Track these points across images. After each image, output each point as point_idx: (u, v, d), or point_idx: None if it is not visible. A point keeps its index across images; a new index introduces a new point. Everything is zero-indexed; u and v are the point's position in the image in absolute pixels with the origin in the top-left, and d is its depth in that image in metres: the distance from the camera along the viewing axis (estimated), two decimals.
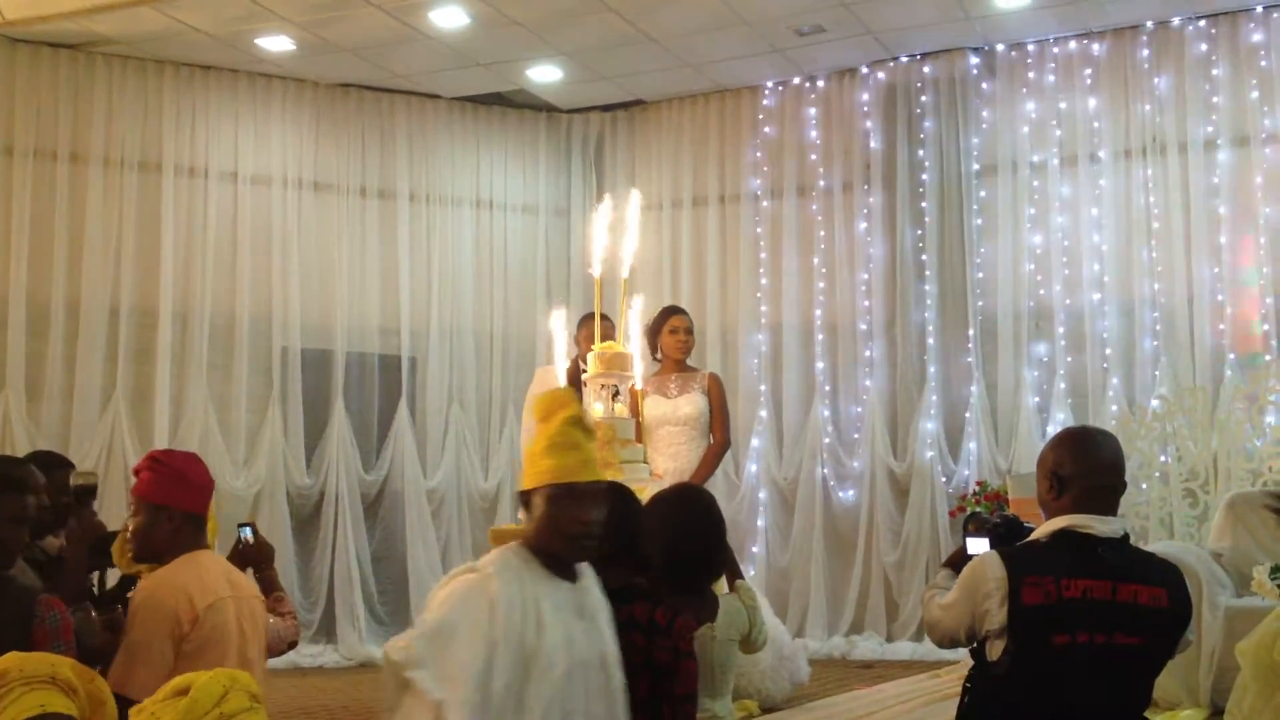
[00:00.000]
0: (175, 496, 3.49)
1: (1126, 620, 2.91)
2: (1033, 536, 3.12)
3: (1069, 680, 2.89)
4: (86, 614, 3.34)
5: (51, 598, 3.13)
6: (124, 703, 2.54)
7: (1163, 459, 7.41)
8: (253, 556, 4.01)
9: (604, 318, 6.26)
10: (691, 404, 6.54)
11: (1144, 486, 7.41)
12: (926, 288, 8.81)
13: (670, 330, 6.68)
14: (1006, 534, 3.29)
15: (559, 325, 6.31)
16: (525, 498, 2.83)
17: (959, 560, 3.24)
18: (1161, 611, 2.97)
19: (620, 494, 3.53)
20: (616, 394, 5.89)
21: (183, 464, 3.57)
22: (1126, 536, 3.09)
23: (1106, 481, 3.07)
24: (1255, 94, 8.11)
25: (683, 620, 3.19)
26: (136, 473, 3.58)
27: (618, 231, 6.19)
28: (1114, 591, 2.92)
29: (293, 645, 3.95)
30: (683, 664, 3.15)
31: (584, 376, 6.15)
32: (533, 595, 2.73)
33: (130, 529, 3.55)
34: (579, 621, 2.80)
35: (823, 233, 9.21)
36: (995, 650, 2.96)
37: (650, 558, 3.42)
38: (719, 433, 6.64)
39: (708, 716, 3.37)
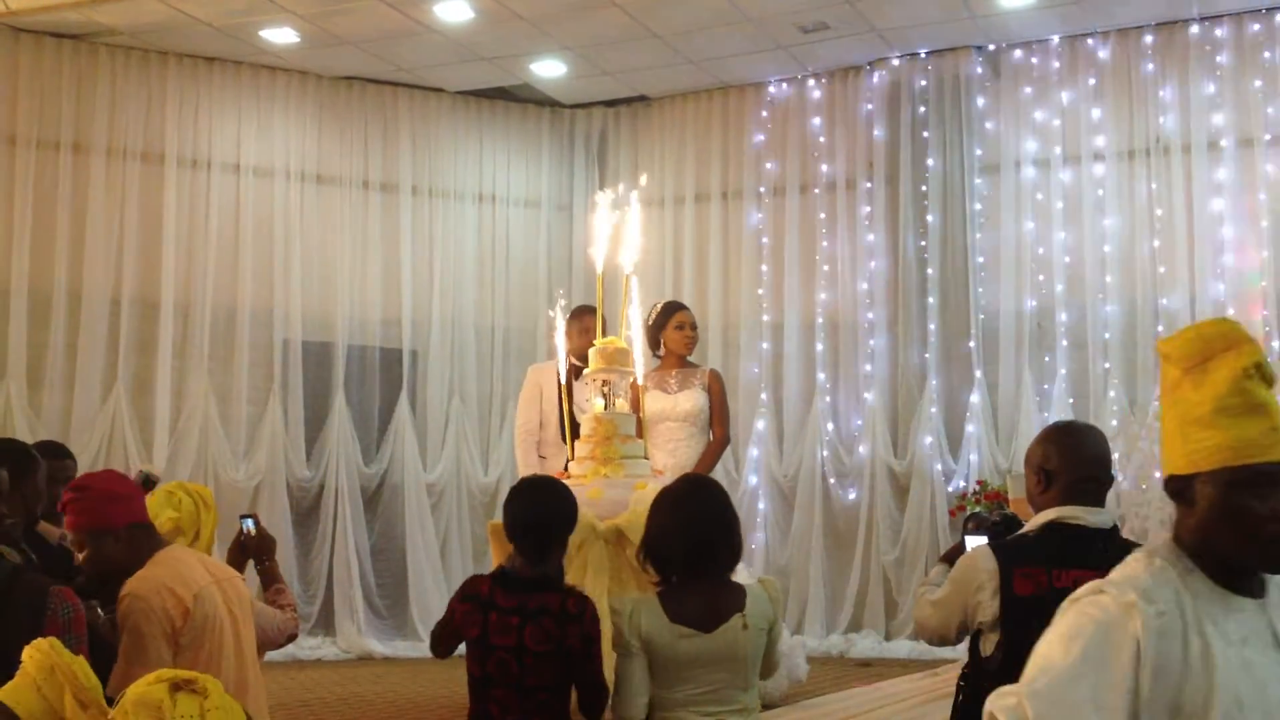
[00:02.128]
0: (110, 516, 3.42)
1: None
2: (1023, 530, 3.15)
3: None
4: (94, 612, 3.34)
5: (65, 589, 3.12)
6: None
7: None
8: (254, 548, 4.01)
9: (597, 312, 6.26)
10: (691, 400, 6.53)
11: (1144, 487, 7.42)
12: (928, 286, 8.80)
13: (676, 326, 6.67)
14: (1005, 532, 3.31)
15: (560, 322, 6.30)
16: (1179, 485, 1.98)
17: (955, 555, 3.25)
18: None
19: (532, 491, 3.66)
20: (614, 391, 5.88)
21: (104, 482, 3.50)
22: (1116, 528, 3.11)
23: (1092, 474, 3.10)
24: (1259, 95, 8.10)
25: (591, 608, 3.41)
26: (62, 509, 3.49)
27: (620, 227, 6.18)
28: None
29: (292, 638, 3.94)
30: (593, 649, 3.40)
31: (584, 373, 6.15)
32: (1198, 627, 1.88)
33: (83, 562, 3.48)
34: (1274, 654, 1.92)
35: (825, 230, 9.21)
36: (989, 644, 2.98)
37: (662, 550, 3.40)
38: (719, 429, 6.63)
39: (739, 709, 3.31)
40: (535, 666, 3.35)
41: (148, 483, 3.97)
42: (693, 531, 3.37)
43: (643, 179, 6.37)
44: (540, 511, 3.55)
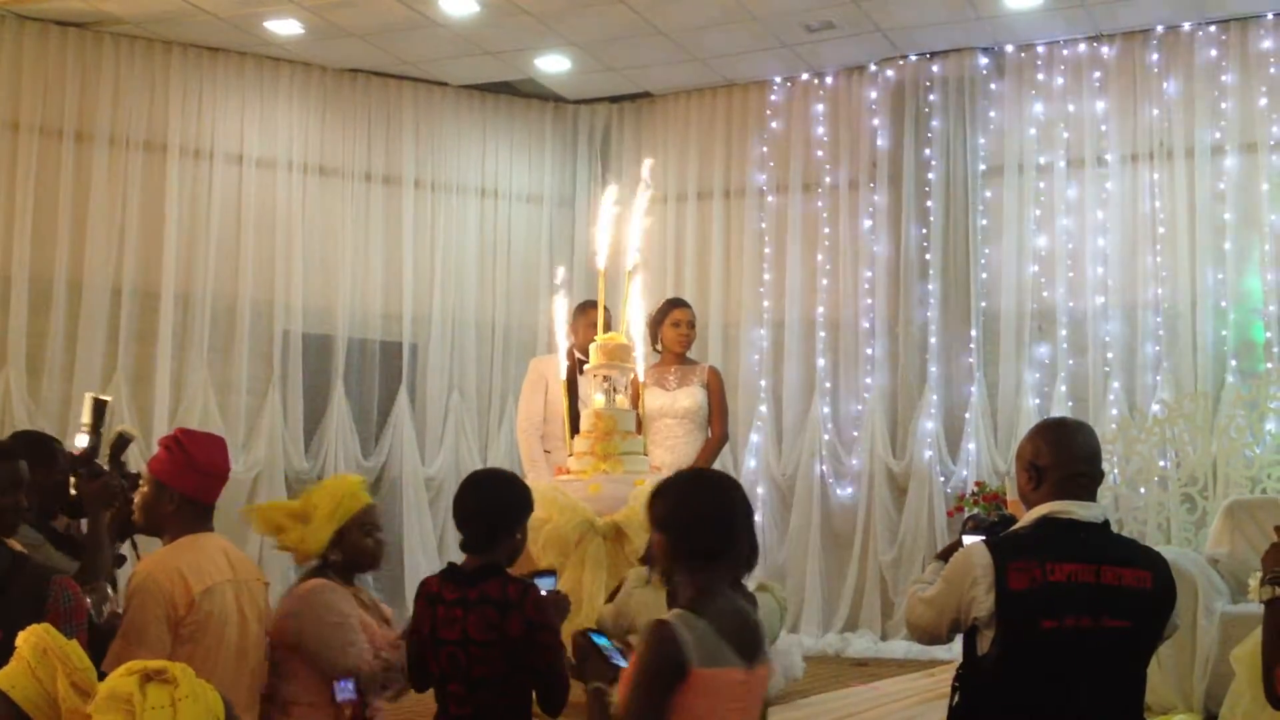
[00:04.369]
0: (179, 480, 3.49)
1: (1113, 603, 2.94)
2: (1016, 526, 3.15)
3: (1059, 667, 2.91)
4: (101, 594, 3.36)
5: (65, 578, 3.14)
6: None
7: (1162, 464, 7.41)
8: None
9: (603, 308, 6.25)
10: (690, 397, 6.54)
11: (1142, 491, 7.41)
12: (930, 287, 8.80)
13: (672, 323, 6.67)
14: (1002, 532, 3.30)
15: (561, 312, 6.30)
16: None
17: (950, 554, 3.25)
18: (1146, 593, 2.99)
19: (477, 480, 3.63)
20: (614, 387, 5.88)
21: (196, 450, 3.55)
22: (1107, 522, 3.12)
23: (1083, 469, 3.11)
24: (1264, 101, 8.10)
25: (534, 593, 3.32)
26: (160, 443, 3.62)
27: (623, 223, 6.19)
28: (1098, 574, 2.95)
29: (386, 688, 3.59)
30: (538, 636, 3.29)
31: (586, 368, 6.15)
32: None
33: (137, 498, 3.61)
34: None
35: (827, 229, 9.21)
36: (985, 642, 2.97)
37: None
38: (717, 426, 6.64)
39: None
40: (482, 656, 3.29)
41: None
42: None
43: (646, 176, 6.31)
44: (480, 501, 3.49)
